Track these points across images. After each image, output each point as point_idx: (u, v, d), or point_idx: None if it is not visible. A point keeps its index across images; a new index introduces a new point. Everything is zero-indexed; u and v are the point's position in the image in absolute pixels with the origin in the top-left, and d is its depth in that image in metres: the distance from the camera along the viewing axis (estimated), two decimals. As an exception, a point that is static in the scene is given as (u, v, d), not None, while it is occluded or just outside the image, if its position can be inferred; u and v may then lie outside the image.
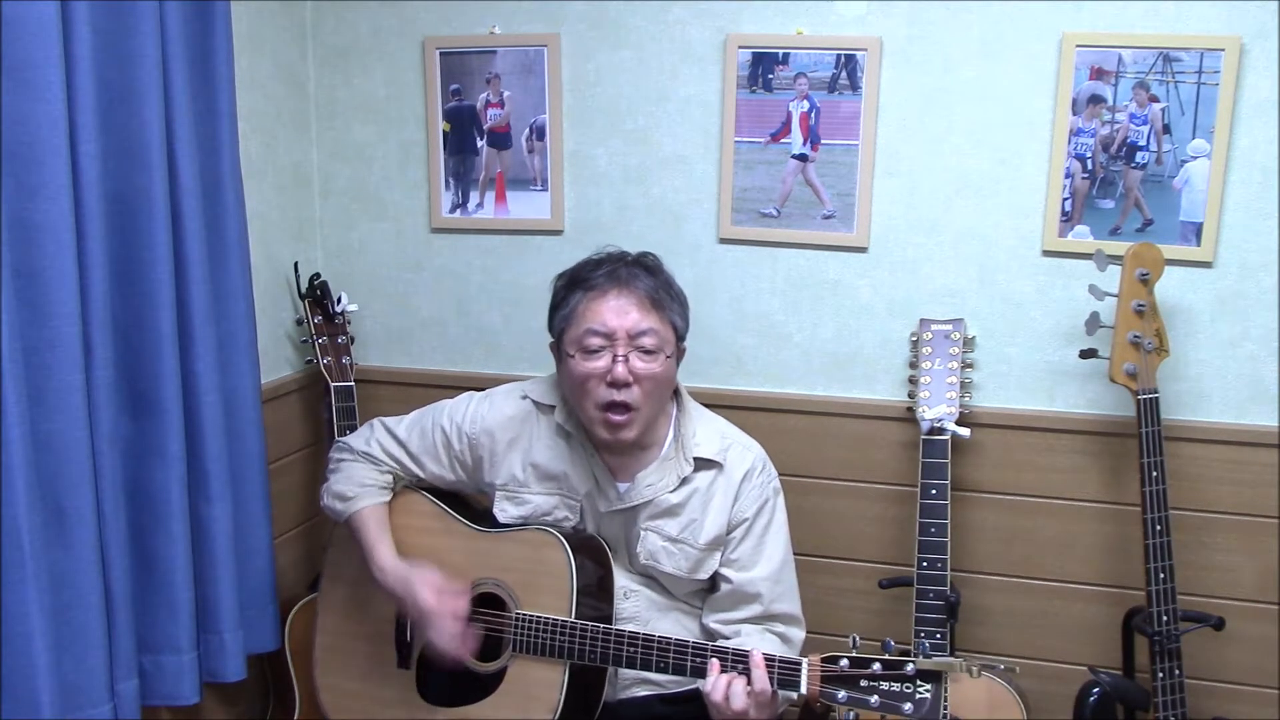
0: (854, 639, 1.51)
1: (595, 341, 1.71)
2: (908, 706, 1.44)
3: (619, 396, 1.70)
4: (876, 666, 1.46)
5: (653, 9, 2.18)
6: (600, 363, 1.71)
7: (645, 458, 1.81)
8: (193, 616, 1.88)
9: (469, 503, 1.95)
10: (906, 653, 1.48)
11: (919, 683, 1.44)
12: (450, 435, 1.88)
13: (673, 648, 1.65)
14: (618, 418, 1.71)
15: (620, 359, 1.70)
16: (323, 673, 1.95)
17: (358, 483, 1.88)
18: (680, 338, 1.79)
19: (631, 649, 1.68)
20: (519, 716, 1.74)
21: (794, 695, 1.55)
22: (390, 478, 1.91)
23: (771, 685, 1.55)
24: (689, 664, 1.64)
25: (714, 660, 1.61)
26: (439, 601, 1.74)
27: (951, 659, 1.45)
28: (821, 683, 1.50)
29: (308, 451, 2.43)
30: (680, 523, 1.80)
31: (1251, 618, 2.07)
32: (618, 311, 1.71)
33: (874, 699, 1.46)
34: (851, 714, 1.48)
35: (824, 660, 1.51)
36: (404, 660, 1.87)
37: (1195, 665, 2.02)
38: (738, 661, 1.60)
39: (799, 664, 1.53)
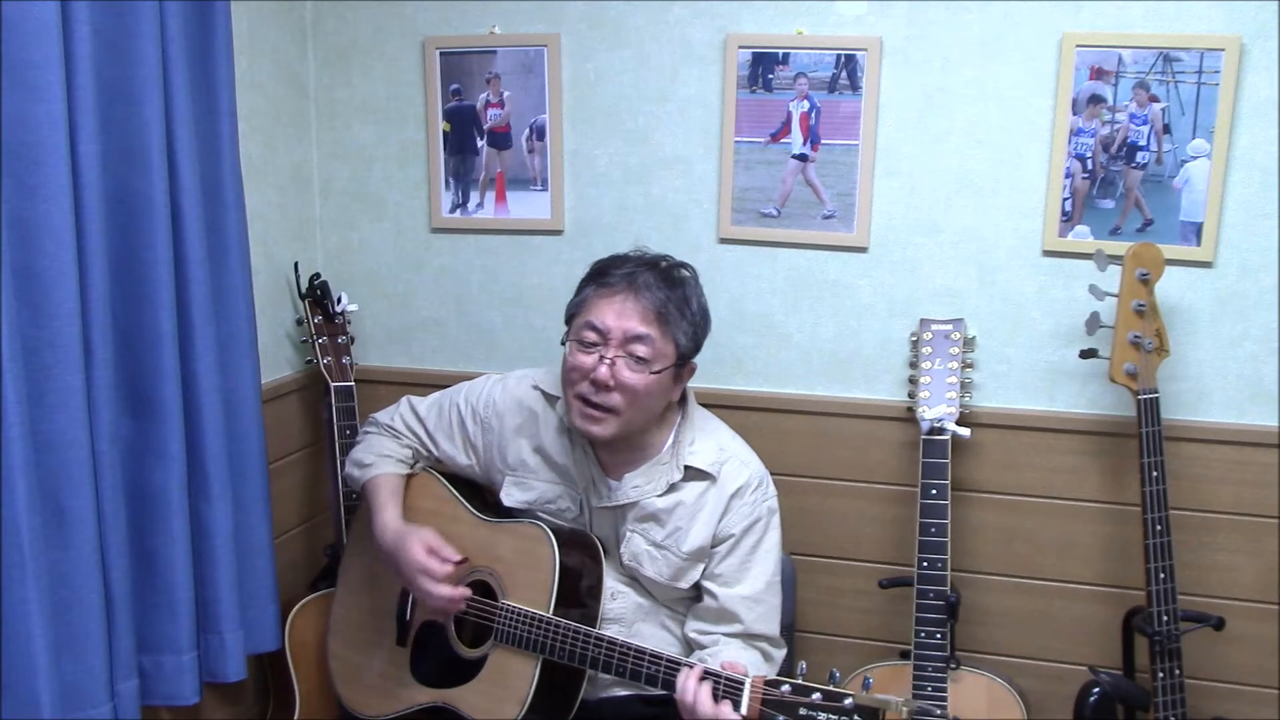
0: (801, 666, 1.51)
1: (590, 336, 1.71)
2: None
3: (596, 398, 1.70)
4: (816, 696, 1.46)
5: (653, 9, 2.18)
6: (588, 359, 1.71)
7: (639, 459, 1.81)
8: (193, 616, 1.88)
9: (481, 492, 1.96)
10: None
11: (856, 718, 1.43)
12: (465, 416, 1.92)
13: (632, 654, 1.66)
14: (593, 411, 1.72)
15: (607, 361, 1.69)
16: (334, 640, 2.02)
17: (376, 452, 1.95)
18: (684, 356, 1.76)
19: (597, 650, 1.69)
20: (491, 704, 1.76)
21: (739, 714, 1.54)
22: (410, 452, 1.97)
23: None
24: (644, 671, 1.64)
25: (697, 668, 1.60)
26: (427, 558, 1.77)
27: (889, 697, 1.44)
28: (762, 705, 1.50)
29: (308, 451, 2.43)
30: (665, 529, 1.79)
31: (1251, 618, 2.07)
32: (619, 313, 1.70)
33: None
34: None
35: (767, 683, 1.51)
36: (402, 638, 1.92)
37: (1195, 665, 2.02)
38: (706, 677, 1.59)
39: (742, 683, 1.53)
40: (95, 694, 1.67)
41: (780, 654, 1.83)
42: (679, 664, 1.62)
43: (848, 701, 1.44)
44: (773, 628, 1.81)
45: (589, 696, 1.77)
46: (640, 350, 1.70)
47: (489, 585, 1.83)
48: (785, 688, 1.48)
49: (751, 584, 1.79)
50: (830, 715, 1.44)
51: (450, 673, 1.83)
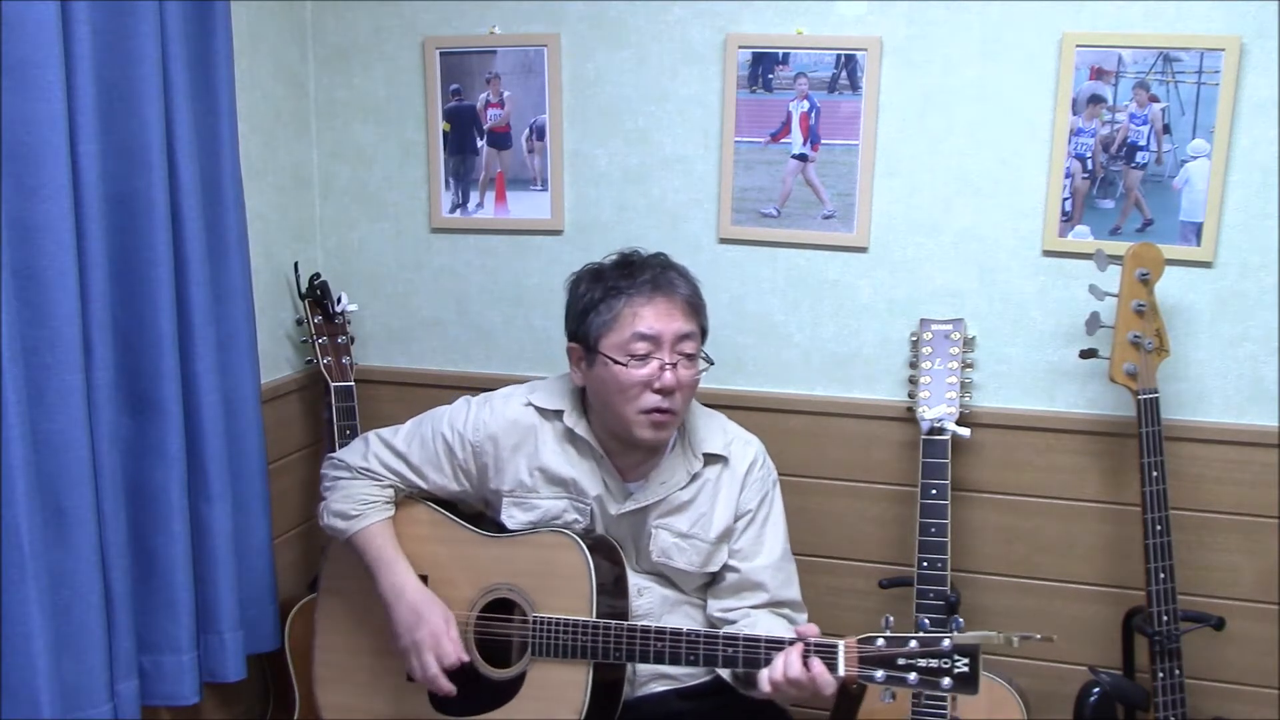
0: (887, 619, 1.51)
1: (642, 347, 1.70)
2: (946, 681, 1.44)
3: (665, 404, 1.70)
4: (913, 644, 1.46)
5: (653, 9, 2.18)
6: (646, 370, 1.70)
7: (655, 457, 1.81)
8: (193, 616, 1.88)
9: (468, 511, 1.92)
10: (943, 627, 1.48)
11: (956, 658, 1.44)
12: (452, 443, 1.84)
13: (696, 639, 1.65)
14: (664, 417, 1.72)
15: (669, 366, 1.70)
16: (325, 691, 1.90)
17: (359, 500, 1.84)
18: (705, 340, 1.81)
19: (659, 644, 1.67)
20: (543, 718, 1.73)
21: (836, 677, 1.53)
22: (392, 491, 1.86)
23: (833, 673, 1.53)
24: (701, 653, 1.64)
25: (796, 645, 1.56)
26: (449, 641, 1.74)
27: (987, 633, 1.44)
28: (860, 664, 1.50)
29: (308, 451, 2.43)
30: (690, 518, 1.80)
31: (1251, 618, 2.07)
32: (661, 315, 1.71)
33: (912, 676, 1.46)
34: (889, 693, 1.49)
35: (860, 641, 1.51)
36: None
37: (1195, 665, 2.02)
38: (772, 648, 1.58)
39: (835, 646, 1.52)
40: (95, 694, 1.67)
41: (803, 619, 1.83)
42: (760, 641, 1.60)
43: (945, 643, 1.44)
44: (795, 592, 1.84)
45: (625, 695, 1.77)
46: (689, 347, 1.73)
47: (511, 601, 1.78)
48: (879, 641, 1.48)
49: (769, 553, 1.82)
50: (929, 660, 1.44)
51: (482, 698, 1.77)
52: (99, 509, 1.66)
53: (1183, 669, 1.89)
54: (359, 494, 1.85)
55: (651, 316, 1.71)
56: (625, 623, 1.71)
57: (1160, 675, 1.88)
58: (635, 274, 1.75)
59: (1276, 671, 2.08)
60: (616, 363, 1.71)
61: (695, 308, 1.76)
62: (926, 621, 1.47)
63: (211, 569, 1.93)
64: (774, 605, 1.80)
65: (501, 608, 1.79)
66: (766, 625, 1.73)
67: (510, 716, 1.75)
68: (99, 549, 1.66)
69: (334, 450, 2.22)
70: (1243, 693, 2.10)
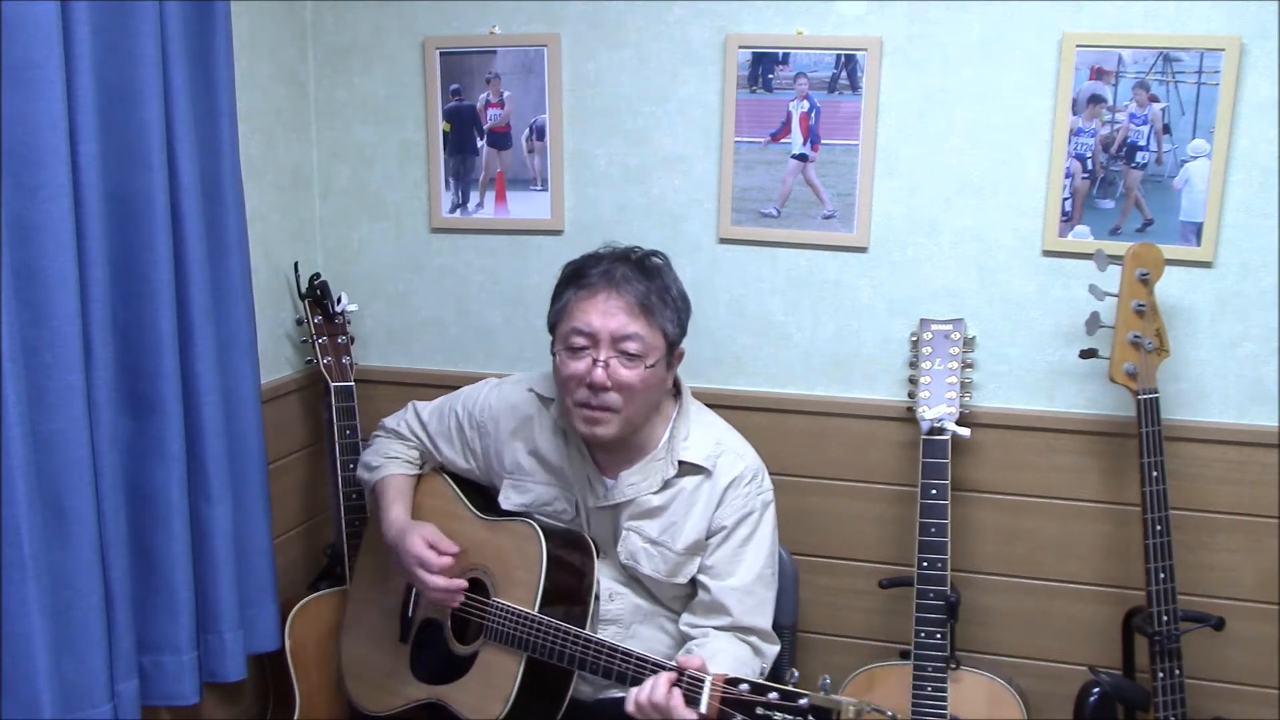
0: (793, 674, 1.50)
1: (579, 341, 1.72)
2: None
3: (595, 400, 1.70)
4: (773, 695, 1.46)
5: (653, 9, 2.18)
6: (581, 364, 1.71)
7: (635, 456, 1.81)
8: (193, 616, 1.88)
9: (485, 491, 1.98)
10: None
11: (810, 718, 1.44)
12: (463, 421, 1.93)
13: (604, 652, 1.65)
14: (594, 413, 1.72)
15: (600, 363, 1.69)
16: (344, 637, 2.08)
17: (383, 454, 1.99)
18: (673, 344, 1.77)
19: (574, 648, 1.68)
20: (479, 701, 1.77)
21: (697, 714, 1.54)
22: (417, 453, 2.00)
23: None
24: (630, 674, 1.63)
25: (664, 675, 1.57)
26: (424, 550, 1.80)
27: (844, 699, 1.44)
28: (721, 704, 1.50)
29: (308, 451, 2.43)
30: (660, 525, 1.79)
31: (1251, 618, 2.07)
32: (604, 313, 1.71)
33: None
34: None
35: (726, 682, 1.51)
36: (404, 635, 1.95)
37: (1195, 665, 2.02)
38: (657, 671, 1.59)
39: (702, 681, 1.53)
40: (95, 694, 1.67)
41: (773, 649, 1.82)
42: (648, 662, 1.61)
43: (803, 701, 1.44)
44: (763, 620, 1.80)
45: (586, 697, 1.77)
46: (631, 347, 1.70)
47: (484, 583, 1.84)
48: (744, 686, 1.49)
49: (742, 576, 1.78)
50: (786, 715, 1.45)
51: (445, 670, 1.85)
52: (99, 509, 1.66)
53: (1183, 669, 1.89)
54: (384, 449, 2.00)
55: (592, 312, 1.71)
56: (556, 623, 1.71)
57: (1160, 675, 1.88)
58: (591, 267, 1.76)
59: (1276, 671, 2.08)
60: (556, 354, 1.75)
61: (647, 308, 1.71)
62: (828, 680, 1.47)
63: (211, 569, 1.93)
64: (738, 630, 1.78)
65: (481, 587, 1.85)
66: (719, 648, 1.71)
67: (457, 692, 1.82)
68: (99, 549, 1.66)
69: (334, 450, 2.26)
70: (1243, 693, 2.10)
